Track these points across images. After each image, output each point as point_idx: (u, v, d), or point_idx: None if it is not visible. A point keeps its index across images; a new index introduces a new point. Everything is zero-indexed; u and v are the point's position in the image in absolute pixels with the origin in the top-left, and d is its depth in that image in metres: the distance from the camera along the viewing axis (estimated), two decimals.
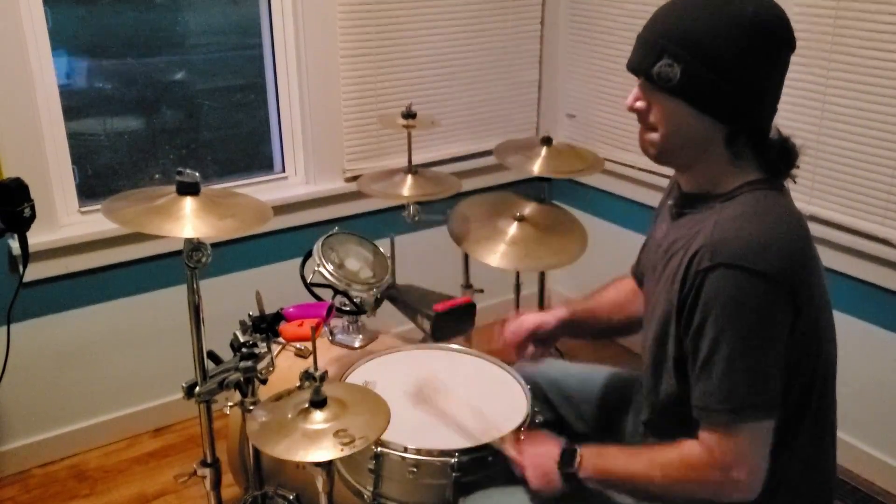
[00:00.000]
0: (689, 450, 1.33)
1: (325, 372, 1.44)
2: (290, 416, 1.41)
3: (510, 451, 1.56)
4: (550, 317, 1.74)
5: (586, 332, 1.83)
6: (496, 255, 2.32)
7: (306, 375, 1.47)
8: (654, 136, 1.38)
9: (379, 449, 1.58)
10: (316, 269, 1.95)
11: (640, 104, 1.38)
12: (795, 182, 1.42)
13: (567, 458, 1.44)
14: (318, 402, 1.41)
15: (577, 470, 1.42)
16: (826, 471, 1.48)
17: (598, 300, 1.79)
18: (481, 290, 2.55)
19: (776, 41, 1.31)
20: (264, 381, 1.72)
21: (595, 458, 1.43)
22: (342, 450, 1.32)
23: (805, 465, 1.41)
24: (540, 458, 1.49)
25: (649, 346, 1.46)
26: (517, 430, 1.61)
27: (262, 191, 2.82)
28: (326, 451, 1.33)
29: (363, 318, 2.10)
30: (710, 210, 1.36)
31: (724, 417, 1.28)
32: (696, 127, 1.34)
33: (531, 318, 1.73)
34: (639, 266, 1.75)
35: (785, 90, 1.38)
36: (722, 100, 1.30)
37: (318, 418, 1.39)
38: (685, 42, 1.29)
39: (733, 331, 1.26)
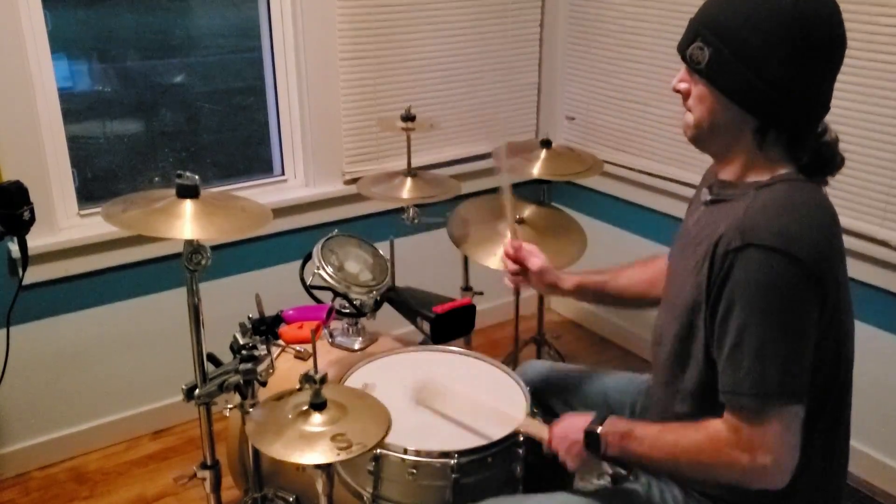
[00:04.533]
0: (715, 431, 1.31)
1: (325, 374, 1.44)
2: (289, 416, 1.41)
3: (535, 430, 1.57)
4: (560, 282, 1.75)
5: (592, 300, 1.84)
6: (496, 258, 2.32)
7: (306, 378, 1.47)
8: (690, 117, 1.38)
9: (378, 451, 1.58)
10: (316, 271, 1.95)
11: (682, 85, 1.38)
12: (828, 184, 1.39)
13: (593, 443, 1.44)
14: (318, 405, 1.41)
15: (605, 452, 1.43)
16: (838, 472, 1.47)
17: (617, 277, 1.79)
18: (481, 293, 2.55)
19: (817, 37, 1.25)
20: (264, 384, 1.72)
21: (620, 441, 1.42)
22: (339, 454, 1.32)
23: (819, 463, 1.40)
24: (566, 430, 1.50)
25: (674, 334, 1.43)
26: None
27: (262, 193, 2.82)
28: (322, 454, 1.33)
29: (363, 320, 2.11)
30: (743, 197, 1.34)
31: (753, 402, 1.26)
32: (723, 114, 1.33)
33: (543, 261, 1.73)
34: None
35: None
36: (748, 91, 1.28)
37: (317, 421, 1.39)
38: (717, 27, 1.28)
39: (763, 314, 1.24)
